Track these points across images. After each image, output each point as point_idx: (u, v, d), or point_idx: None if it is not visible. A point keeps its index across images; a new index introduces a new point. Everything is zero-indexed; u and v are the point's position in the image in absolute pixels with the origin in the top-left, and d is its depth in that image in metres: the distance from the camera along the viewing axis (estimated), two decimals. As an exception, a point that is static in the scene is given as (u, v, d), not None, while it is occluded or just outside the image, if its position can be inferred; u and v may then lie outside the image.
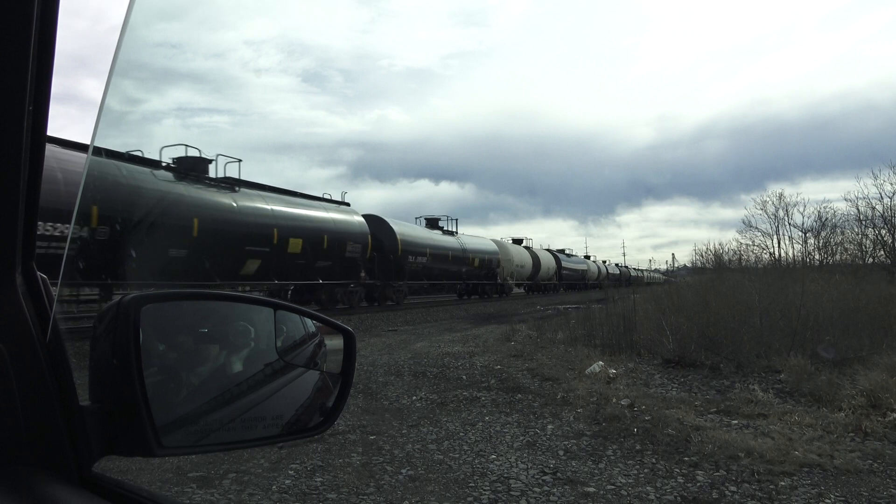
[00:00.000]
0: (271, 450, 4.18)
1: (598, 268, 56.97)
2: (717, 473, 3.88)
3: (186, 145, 14.64)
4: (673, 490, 3.60)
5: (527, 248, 40.05)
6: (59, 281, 0.96)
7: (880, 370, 6.07)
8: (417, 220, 28.63)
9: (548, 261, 41.20)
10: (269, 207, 16.03)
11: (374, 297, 22.26)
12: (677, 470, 3.96)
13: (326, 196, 20.05)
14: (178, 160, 14.50)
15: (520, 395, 6.31)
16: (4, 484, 0.70)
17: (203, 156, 14.89)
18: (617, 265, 71.16)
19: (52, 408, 0.77)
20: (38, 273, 0.82)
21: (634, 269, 78.22)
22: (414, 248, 23.82)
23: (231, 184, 15.42)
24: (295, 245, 16.32)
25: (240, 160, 15.75)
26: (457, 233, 29.89)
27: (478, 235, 33.35)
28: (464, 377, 7.42)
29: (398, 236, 22.91)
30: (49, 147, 11.38)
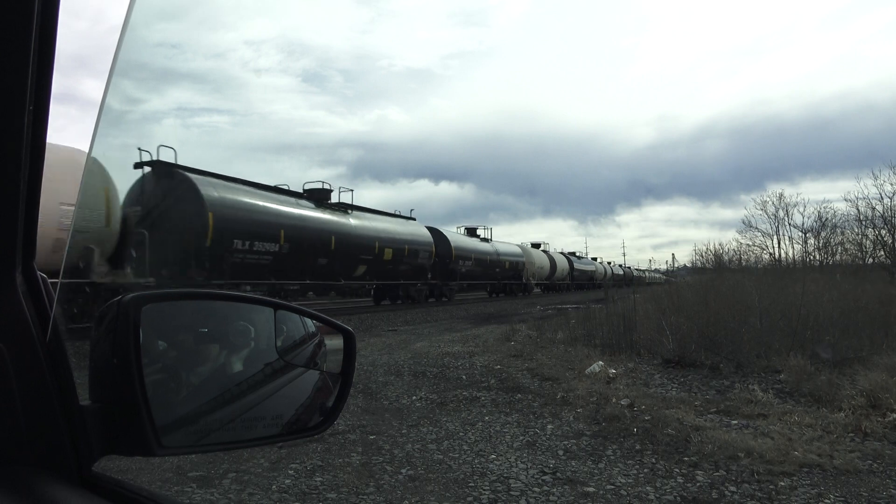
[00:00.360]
0: (271, 449, 4.18)
1: (605, 269, 61.53)
2: (717, 473, 3.88)
3: (322, 182, 20.12)
4: (673, 490, 3.60)
5: (545, 251, 43.73)
6: (60, 279, 0.96)
7: (880, 370, 6.07)
8: (458, 229, 33.16)
9: (562, 263, 45.45)
10: (371, 225, 21.52)
11: (434, 293, 27.11)
12: (677, 470, 3.96)
13: (398, 212, 25.24)
14: (308, 191, 19.54)
15: (519, 395, 6.32)
16: (4, 484, 0.71)
17: (327, 187, 20.18)
18: (621, 266, 75.54)
19: (52, 407, 0.77)
20: (39, 272, 0.82)
21: (637, 269, 79.91)
22: (463, 254, 28.97)
23: (345, 208, 20.72)
24: (388, 254, 22.02)
25: (352, 189, 23.20)
26: (490, 239, 34.23)
27: (508, 241, 37.78)
28: (463, 377, 7.42)
29: (452, 244, 27.87)
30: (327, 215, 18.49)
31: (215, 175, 14.99)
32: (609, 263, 68.83)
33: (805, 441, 4.46)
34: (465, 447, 4.47)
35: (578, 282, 48.95)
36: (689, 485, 3.69)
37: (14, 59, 0.65)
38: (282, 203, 17.00)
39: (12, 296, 0.78)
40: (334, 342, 1.10)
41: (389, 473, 3.88)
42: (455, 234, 30.18)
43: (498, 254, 33.17)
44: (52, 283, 0.85)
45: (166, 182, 13.43)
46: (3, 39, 0.64)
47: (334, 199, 20.33)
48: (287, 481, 3.69)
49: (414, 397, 6.27)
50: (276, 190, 17.74)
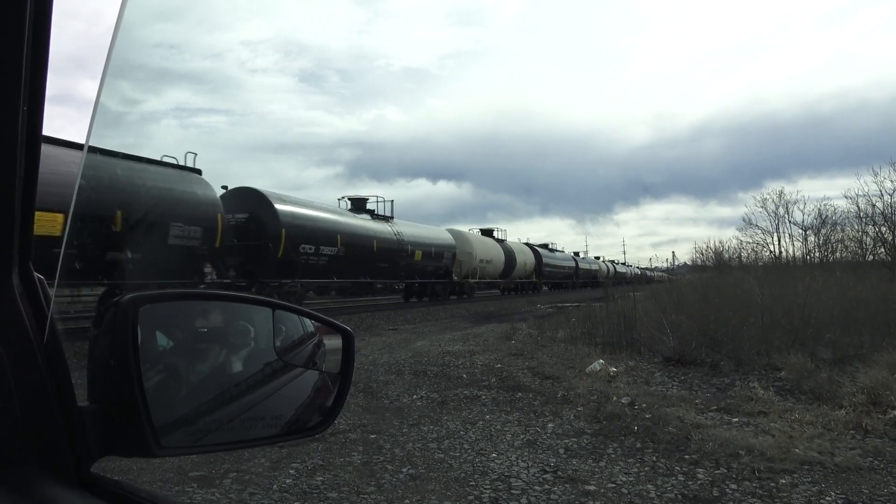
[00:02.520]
0: (272, 449, 4.18)
1: (631, 270, 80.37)
2: (718, 471, 3.88)
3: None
4: (674, 488, 3.60)
5: (604, 262, 63.06)
6: (56, 282, 0.96)
7: (881, 367, 6.07)
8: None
9: (611, 268, 66.88)
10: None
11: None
12: (678, 468, 3.96)
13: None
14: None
15: (520, 394, 6.32)
16: (3, 485, 0.70)
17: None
18: (636, 267, 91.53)
19: (50, 408, 0.77)
20: (35, 273, 0.82)
21: (649, 269, 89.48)
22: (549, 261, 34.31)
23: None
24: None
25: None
26: (573, 252, 46.89)
27: (592, 257, 52.29)
28: (464, 376, 7.42)
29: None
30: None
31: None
32: (632, 266, 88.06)
33: (806, 438, 4.46)
34: (466, 446, 4.47)
35: (618, 279, 61.37)
36: (690, 483, 3.69)
37: (7, 59, 0.65)
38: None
39: (9, 297, 0.78)
40: (333, 342, 1.10)
41: (390, 472, 3.89)
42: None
43: (589, 263, 50.16)
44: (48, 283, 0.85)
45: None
46: None
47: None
48: (288, 481, 3.69)
49: (415, 396, 6.27)
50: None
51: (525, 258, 35.54)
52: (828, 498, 3.44)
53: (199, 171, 14.98)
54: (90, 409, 0.79)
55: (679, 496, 3.48)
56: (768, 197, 31.79)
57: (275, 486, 3.60)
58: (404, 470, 3.93)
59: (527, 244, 39.45)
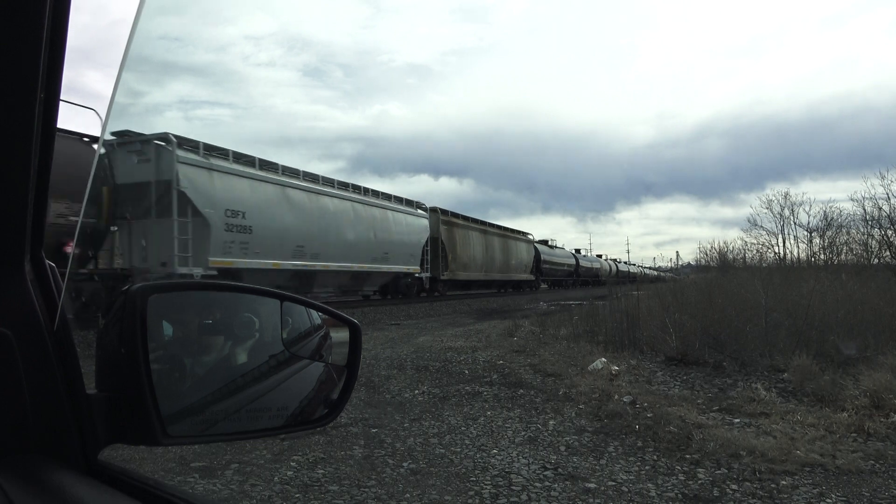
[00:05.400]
0: (274, 441, 4.20)
1: (651, 272, 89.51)
2: (719, 471, 3.88)
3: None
4: (674, 487, 3.60)
5: (637, 266, 76.40)
6: (68, 271, 0.96)
7: (884, 371, 6.05)
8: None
9: (641, 270, 77.44)
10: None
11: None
12: (678, 467, 3.96)
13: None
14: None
15: (522, 391, 6.32)
16: (12, 470, 0.71)
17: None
18: (648, 267, 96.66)
19: (58, 395, 0.77)
20: (47, 261, 0.83)
21: (657, 269, 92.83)
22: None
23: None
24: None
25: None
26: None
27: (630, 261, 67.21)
28: (466, 372, 7.43)
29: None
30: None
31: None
32: (639, 265, 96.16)
33: (807, 440, 4.45)
34: (467, 441, 4.48)
35: (635, 278, 70.11)
36: (690, 482, 3.69)
37: (27, 47, 0.65)
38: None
39: (21, 284, 0.78)
40: (340, 335, 1.10)
41: (391, 467, 3.90)
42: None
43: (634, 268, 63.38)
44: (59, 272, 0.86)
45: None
46: (17, 28, 0.63)
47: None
48: (289, 473, 3.71)
49: (416, 391, 6.28)
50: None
51: (614, 267, 63.15)
52: (828, 500, 3.44)
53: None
54: (98, 396, 0.80)
55: (679, 495, 3.48)
56: (774, 198, 31.69)
57: (276, 478, 3.62)
58: (405, 464, 3.95)
59: (612, 259, 66.68)
